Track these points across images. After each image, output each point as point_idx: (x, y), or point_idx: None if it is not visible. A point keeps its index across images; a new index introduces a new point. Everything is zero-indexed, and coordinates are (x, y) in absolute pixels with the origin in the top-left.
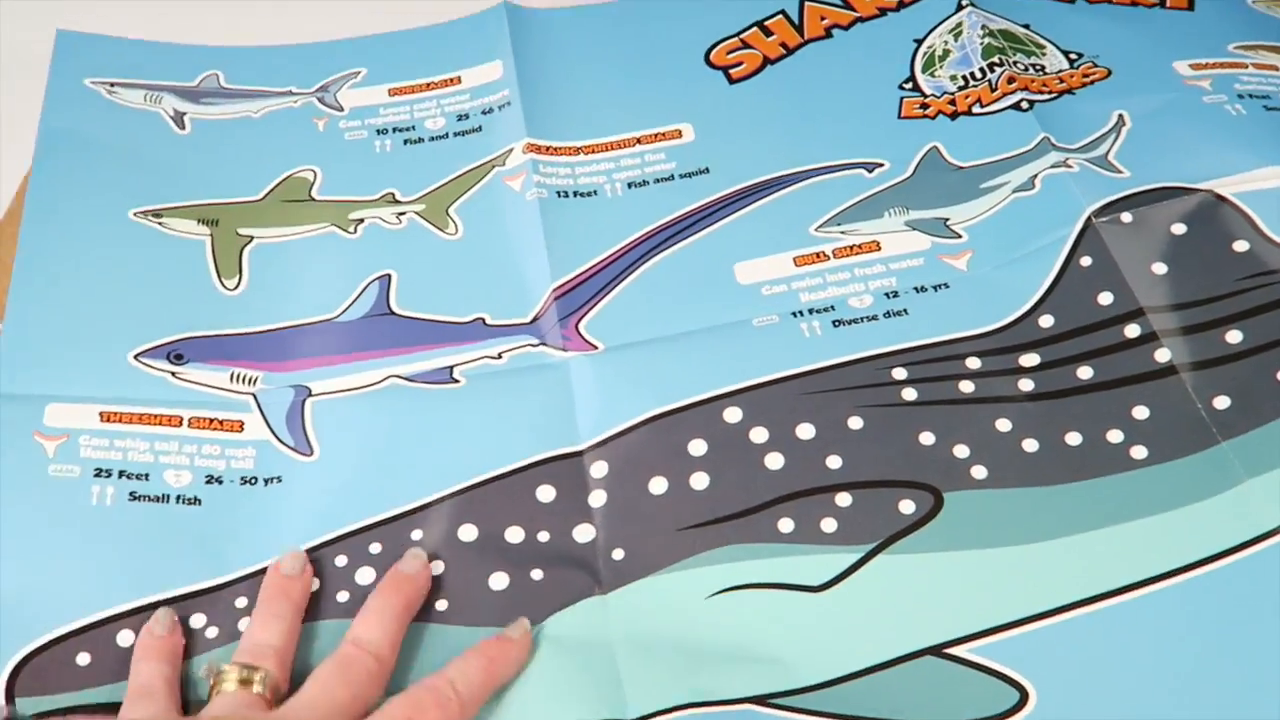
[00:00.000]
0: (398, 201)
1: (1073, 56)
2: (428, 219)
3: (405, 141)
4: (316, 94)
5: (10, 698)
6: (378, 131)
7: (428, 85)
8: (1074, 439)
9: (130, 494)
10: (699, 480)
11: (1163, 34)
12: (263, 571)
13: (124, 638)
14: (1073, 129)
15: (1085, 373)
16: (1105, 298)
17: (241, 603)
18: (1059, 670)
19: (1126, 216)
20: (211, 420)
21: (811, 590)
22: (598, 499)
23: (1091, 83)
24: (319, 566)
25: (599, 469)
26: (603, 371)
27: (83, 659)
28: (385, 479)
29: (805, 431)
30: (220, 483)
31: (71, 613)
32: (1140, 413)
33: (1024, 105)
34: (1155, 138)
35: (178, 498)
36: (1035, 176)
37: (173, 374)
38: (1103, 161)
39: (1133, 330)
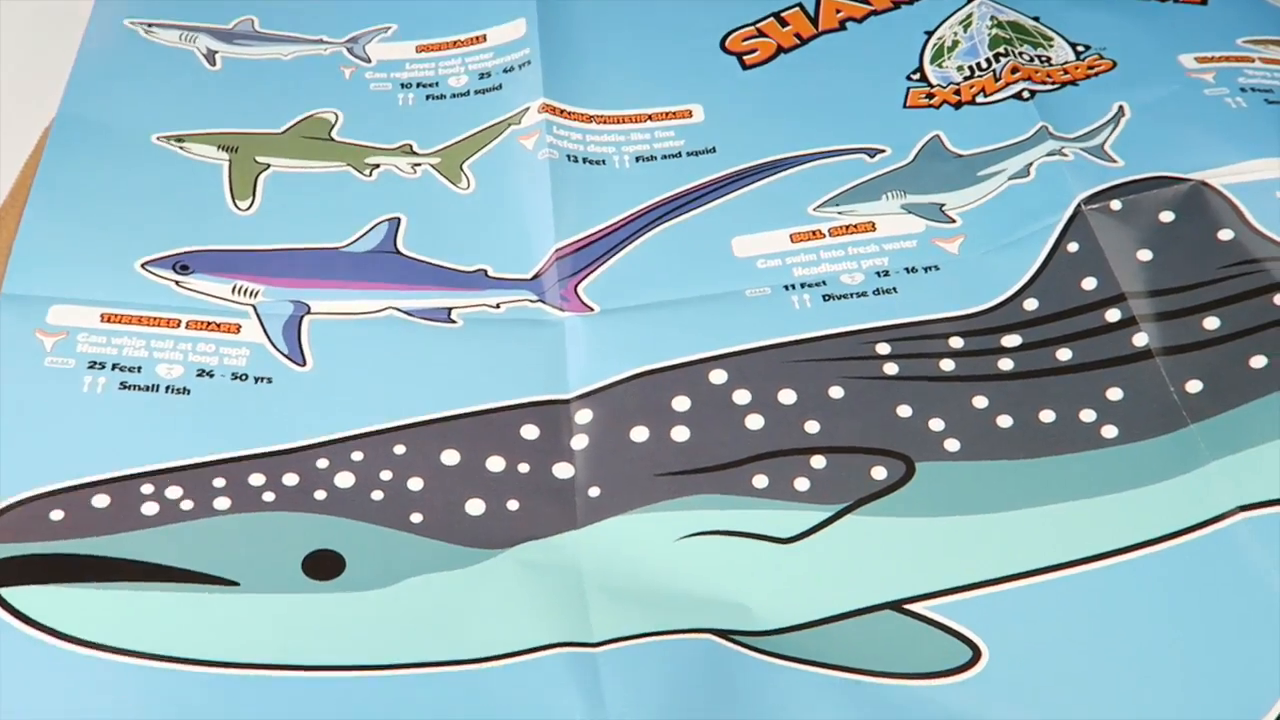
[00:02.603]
0: (414, 153)
1: (1080, 49)
2: (441, 172)
3: (428, 97)
4: (346, 44)
5: None
6: (402, 85)
7: (454, 43)
8: (1048, 416)
9: (121, 384)
10: (679, 433)
11: (1172, 27)
12: (244, 460)
13: (99, 500)
14: (1072, 119)
15: (1064, 354)
16: (1089, 283)
17: (219, 483)
18: (1012, 633)
19: (1116, 204)
20: (209, 323)
21: (779, 542)
22: (579, 442)
23: (1096, 74)
24: (300, 464)
25: (583, 416)
26: (596, 331)
27: (55, 514)
28: (374, 396)
29: (787, 397)
30: (211, 376)
31: (49, 477)
32: (1114, 394)
33: (1025, 95)
34: (1153, 129)
35: (167, 388)
36: (1031, 164)
37: (176, 283)
38: (1099, 151)
39: (1113, 315)
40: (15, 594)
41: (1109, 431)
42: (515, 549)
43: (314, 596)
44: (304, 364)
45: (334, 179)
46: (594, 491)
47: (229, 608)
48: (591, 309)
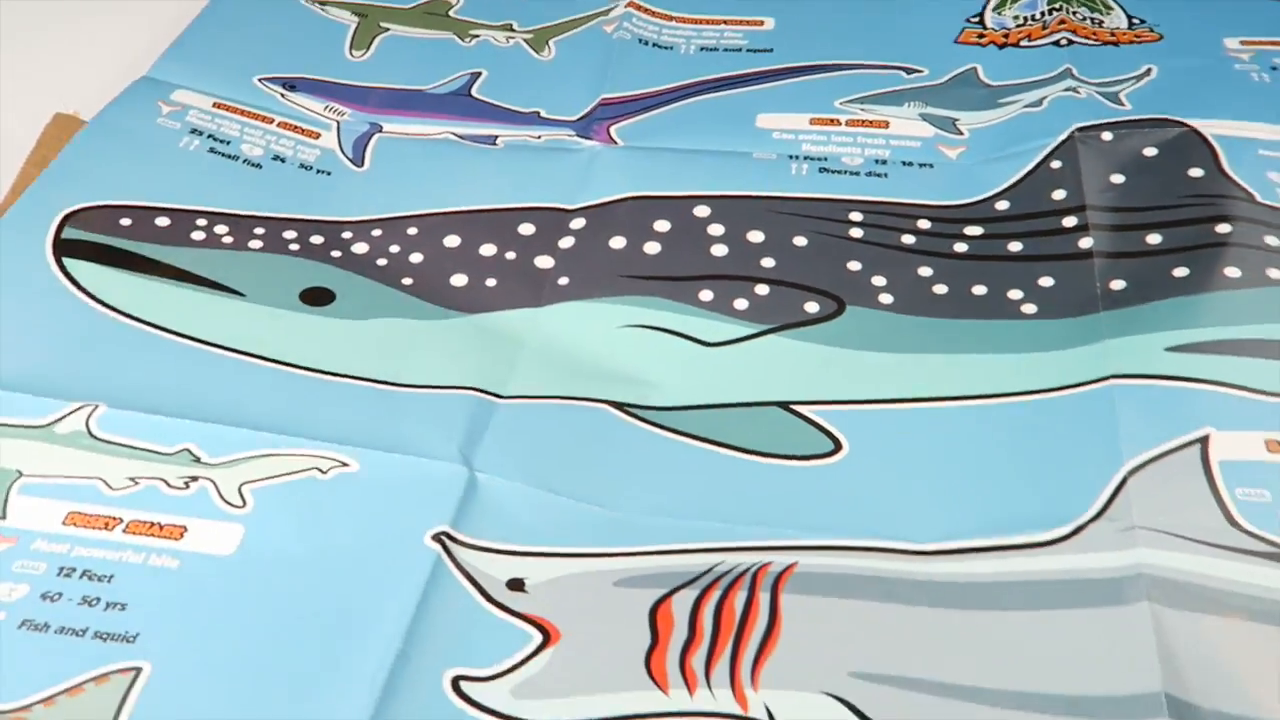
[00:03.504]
0: (512, 29)
1: (1135, 20)
2: (530, 44)
3: None
4: None
5: (60, 228)
6: None
7: None
8: (979, 290)
9: (210, 149)
10: (652, 248)
11: (1233, 14)
12: (284, 220)
13: (161, 220)
14: (1100, 69)
15: (1015, 246)
16: (1059, 194)
17: (258, 230)
18: (875, 439)
19: (1107, 135)
20: (297, 126)
21: (703, 344)
22: (566, 242)
23: (1139, 43)
24: (327, 231)
25: (577, 223)
26: (613, 159)
27: (125, 220)
28: (407, 193)
29: (755, 236)
30: (282, 161)
31: (133, 195)
32: (1045, 281)
33: (1063, 43)
34: (1170, 87)
35: (245, 160)
36: (1046, 98)
37: (282, 95)
38: (1112, 95)
39: (1070, 220)
40: (76, 266)
41: (1029, 309)
42: (478, 315)
43: (302, 316)
44: (362, 165)
45: (438, 44)
46: (563, 280)
47: (235, 311)
48: (616, 143)
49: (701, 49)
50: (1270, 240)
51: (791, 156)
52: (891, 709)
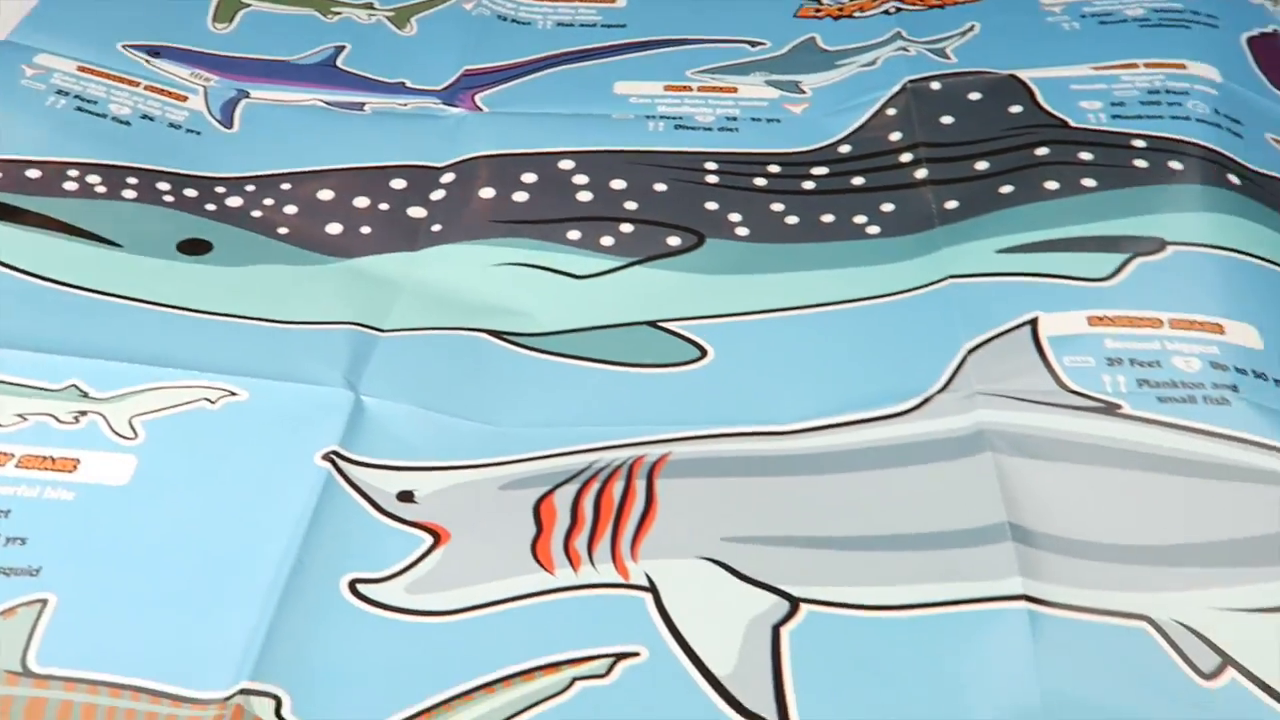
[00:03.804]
0: (374, 8)
1: None
2: (392, 21)
3: None
4: None
5: None
6: None
7: None
8: (828, 218)
9: (77, 107)
10: (520, 195)
11: None
12: (158, 171)
13: (31, 173)
14: (927, 30)
15: (858, 180)
16: (895, 135)
17: (131, 180)
18: (737, 345)
19: (935, 85)
20: (164, 90)
21: (573, 276)
22: (437, 195)
23: (963, 4)
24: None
25: (447, 178)
26: (479, 124)
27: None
28: (278, 150)
29: (618, 184)
30: (151, 120)
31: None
32: (887, 207)
33: (891, 10)
34: (992, 42)
35: (114, 118)
36: (879, 58)
37: (146, 61)
38: (939, 51)
39: (906, 156)
40: None
41: (873, 230)
42: (355, 259)
43: (181, 264)
44: (231, 127)
45: (301, 19)
46: (436, 227)
47: (113, 261)
48: (482, 109)
49: (558, 24)
50: (1084, 155)
51: (648, 116)
52: (762, 563)
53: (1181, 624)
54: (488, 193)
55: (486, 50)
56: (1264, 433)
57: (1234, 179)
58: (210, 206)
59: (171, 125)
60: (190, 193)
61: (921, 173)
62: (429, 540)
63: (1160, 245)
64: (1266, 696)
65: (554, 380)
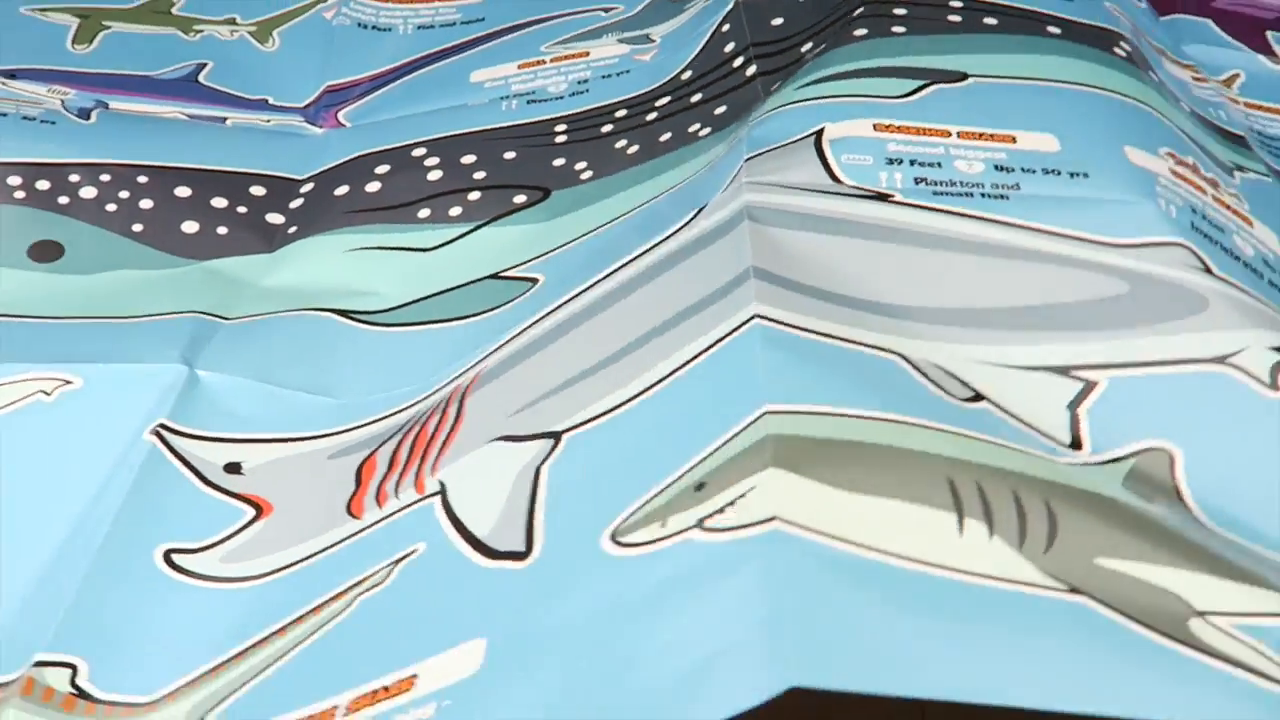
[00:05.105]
0: (235, 23)
1: None
2: (254, 37)
3: None
4: None
5: None
6: None
7: None
8: (665, 135)
9: None
10: (373, 186)
11: None
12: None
13: None
14: None
15: (696, 97)
16: (730, 47)
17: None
18: (564, 267)
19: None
20: (14, 100)
21: (422, 250)
22: (296, 203)
23: None
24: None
25: (307, 188)
26: (339, 139)
27: None
28: (136, 144)
29: (468, 159)
30: (4, 116)
31: None
32: (719, 109)
33: None
34: None
35: None
36: None
37: (2, 83)
38: None
39: (738, 61)
40: None
41: (704, 132)
42: (209, 261)
43: (32, 274)
44: (88, 120)
45: (162, 38)
46: (292, 229)
47: None
48: (345, 126)
49: (419, 27)
50: (898, 10)
51: (503, 98)
52: (537, 418)
53: (936, 364)
54: (342, 190)
55: (348, 62)
56: (1040, 219)
57: (1054, 29)
58: (63, 199)
59: (25, 118)
60: (43, 184)
61: (751, 69)
62: (251, 512)
63: (961, 76)
64: (1015, 422)
65: (397, 349)
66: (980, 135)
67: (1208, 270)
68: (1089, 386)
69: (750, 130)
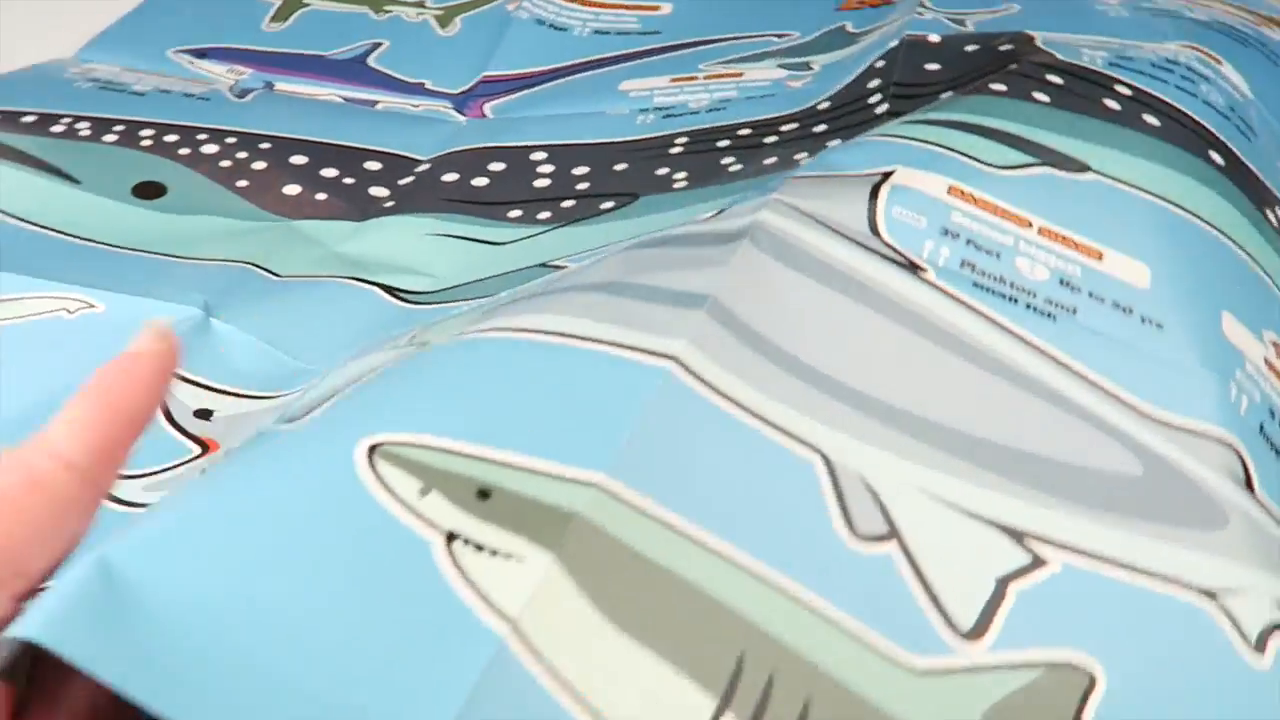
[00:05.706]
0: (424, 6)
1: None
2: (438, 20)
3: None
4: None
5: None
6: None
7: None
8: (769, 160)
9: (101, 88)
10: (480, 180)
11: None
12: (148, 123)
13: (27, 119)
14: (959, 4)
15: (820, 128)
16: (874, 83)
17: (118, 129)
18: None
19: (934, 37)
20: (191, 80)
21: (494, 244)
22: (406, 181)
23: None
24: (186, 135)
25: (422, 168)
26: (475, 127)
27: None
28: (275, 119)
29: (580, 170)
30: (167, 94)
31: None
32: (833, 143)
33: None
34: (1023, 22)
35: (131, 91)
36: (896, 22)
37: (190, 62)
38: (958, 20)
39: (875, 98)
40: None
41: (804, 159)
42: (298, 221)
43: (126, 206)
44: (243, 98)
45: (352, 16)
46: (389, 204)
47: (73, 197)
48: (487, 117)
49: (595, 31)
50: (1052, 78)
51: (642, 110)
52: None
53: (863, 478)
54: (450, 176)
55: (514, 55)
56: (1078, 356)
57: (1217, 158)
58: (184, 151)
59: (186, 95)
60: (171, 137)
61: (883, 108)
62: (197, 450)
63: (1082, 168)
64: (913, 583)
65: (407, 326)
66: (1063, 239)
67: (1248, 485)
68: (1036, 563)
69: (825, 154)
